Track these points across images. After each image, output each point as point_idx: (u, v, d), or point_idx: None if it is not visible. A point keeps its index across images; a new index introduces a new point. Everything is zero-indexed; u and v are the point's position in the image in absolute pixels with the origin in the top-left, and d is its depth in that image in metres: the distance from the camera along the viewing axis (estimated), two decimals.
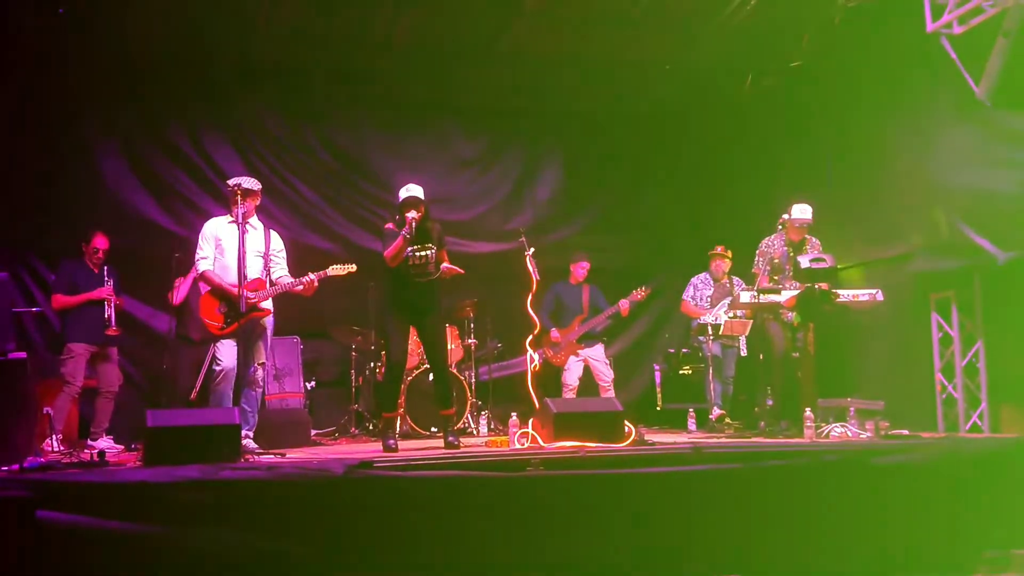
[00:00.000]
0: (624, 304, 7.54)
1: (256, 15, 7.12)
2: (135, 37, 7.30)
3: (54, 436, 5.74)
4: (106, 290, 6.64)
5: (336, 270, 5.64)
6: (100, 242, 6.75)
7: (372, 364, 7.82)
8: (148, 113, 7.94)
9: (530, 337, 6.39)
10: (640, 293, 7.58)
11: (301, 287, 5.54)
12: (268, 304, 5.64)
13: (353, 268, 5.71)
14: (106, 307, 6.63)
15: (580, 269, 7.85)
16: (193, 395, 6.95)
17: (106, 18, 6.96)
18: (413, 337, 6.17)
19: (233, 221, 5.59)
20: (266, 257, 5.68)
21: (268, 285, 5.63)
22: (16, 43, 7.16)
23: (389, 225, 5.76)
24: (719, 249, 7.82)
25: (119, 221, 7.52)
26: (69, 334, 6.58)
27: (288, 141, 8.42)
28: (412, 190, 5.71)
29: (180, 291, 7.11)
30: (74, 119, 7.68)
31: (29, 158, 7.43)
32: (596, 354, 7.76)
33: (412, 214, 5.55)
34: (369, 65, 8.05)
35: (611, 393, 7.49)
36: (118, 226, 7.32)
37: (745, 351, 7.67)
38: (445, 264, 5.78)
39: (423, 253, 5.62)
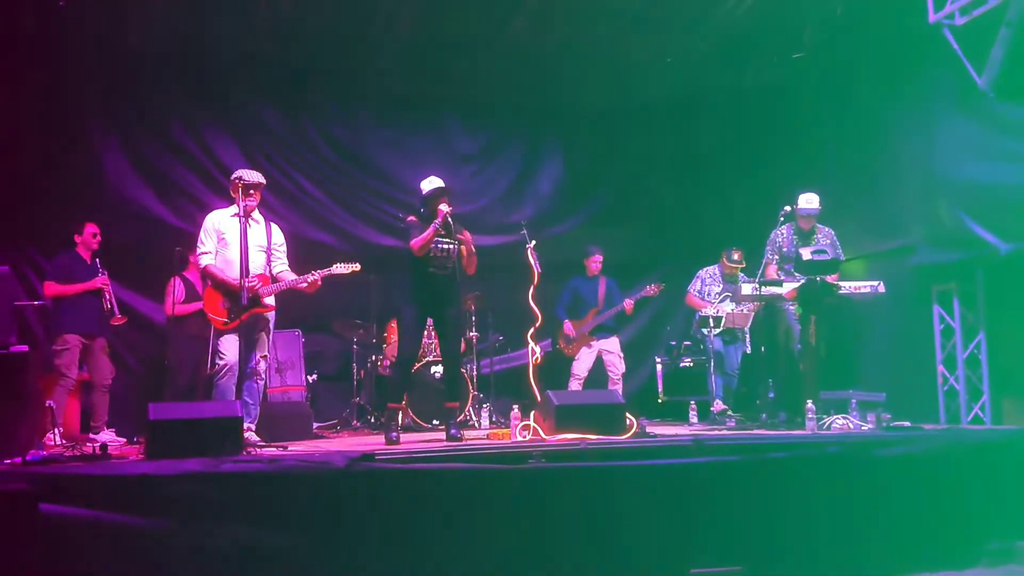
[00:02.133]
0: (628, 302, 7.59)
1: (257, 9, 7.10)
2: (136, 31, 7.28)
3: (56, 429, 5.74)
4: (102, 279, 6.63)
5: (340, 268, 5.65)
6: (94, 229, 6.74)
7: (374, 357, 7.84)
8: (149, 107, 7.91)
9: (531, 330, 6.37)
10: (652, 289, 7.61)
11: (305, 284, 5.55)
12: (271, 299, 5.63)
13: (357, 267, 5.73)
14: (105, 296, 6.63)
15: (594, 263, 7.89)
16: (189, 387, 6.91)
17: (107, 13, 6.95)
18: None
19: (236, 215, 5.56)
20: (268, 251, 5.66)
21: (271, 280, 5.62)
22: (17, 38, 7.14)
23: (412, 218, 5.86)
24: (736, 256, 7.73)
25: (121, 216, 7.51)
26: (63, 324, 6.52)
27: (289, 136, 8.40)
28: (436, 181, 5.83)
29: (173, 301, 7.06)
30: (75, 114, 7.65)
31: (30, 153, 7.41)
32: (611, 346, 7.78)
33: (445, 206, 5.66)
34: (370, 59, 8.03)
35: (619, 386, 7.52)
36: (120, 220, 7.33)
37: (750, 348, 7.67)
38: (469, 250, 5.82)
39: (446, 246, 5.74)
